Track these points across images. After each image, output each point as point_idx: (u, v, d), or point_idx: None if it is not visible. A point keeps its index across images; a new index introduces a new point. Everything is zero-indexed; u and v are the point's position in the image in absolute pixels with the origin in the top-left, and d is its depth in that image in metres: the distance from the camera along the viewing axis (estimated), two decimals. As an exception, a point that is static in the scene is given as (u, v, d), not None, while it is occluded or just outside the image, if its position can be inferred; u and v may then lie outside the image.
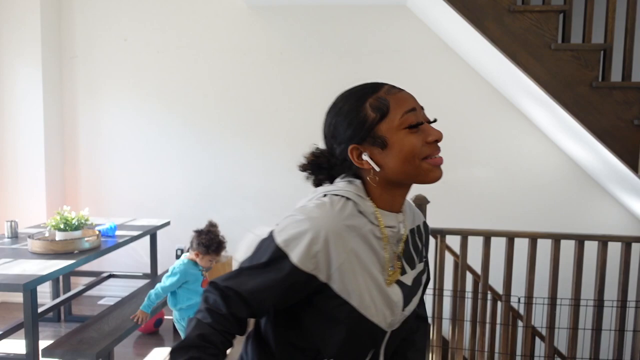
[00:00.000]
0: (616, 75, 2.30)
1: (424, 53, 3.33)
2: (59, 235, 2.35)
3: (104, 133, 3.69)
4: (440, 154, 0.81)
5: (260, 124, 3.55)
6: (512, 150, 3.33)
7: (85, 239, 2.35)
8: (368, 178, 0.83)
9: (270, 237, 0.80)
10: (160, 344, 2.94)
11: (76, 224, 2.39)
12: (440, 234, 2.31)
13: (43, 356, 2.03)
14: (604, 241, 2.14)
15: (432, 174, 0.81)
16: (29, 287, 1.92)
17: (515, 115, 3.30)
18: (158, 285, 2.27)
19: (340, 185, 0.85)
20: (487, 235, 2.21)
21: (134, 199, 3.69)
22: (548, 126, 3.08)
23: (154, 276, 3.10)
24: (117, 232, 2.73)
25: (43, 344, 2.09)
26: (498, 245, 2.28)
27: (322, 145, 0.91)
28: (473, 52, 2.98)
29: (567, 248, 2.19)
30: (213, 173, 3.63)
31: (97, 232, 2.51)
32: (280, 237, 0.78)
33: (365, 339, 0.84)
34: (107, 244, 2.50)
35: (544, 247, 2.21)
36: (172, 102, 3.61)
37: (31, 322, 1.99)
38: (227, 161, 3.61)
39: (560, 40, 2.23)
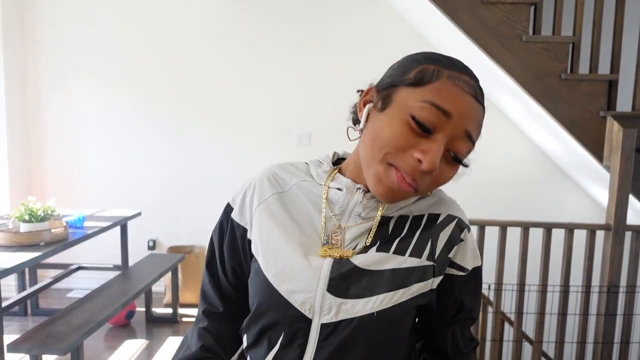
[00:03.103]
0: (584, 68, 2.36)
1: (398, 43, 3.33)
2: (23, 227, 2.27)
3: (71, 120, 3.56)
4: (413, 185, 0.62)
5: (233, 112, 3.50)
6: (483, 141, 3.37)
7: (52, 230, 2.28)
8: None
9: None
10: (132, 336, 2.90)
11: (42, 215, 2.31)
12: (414, 223, 2.33)
13: (9, 351, 1.97)
14: (570, 229, 2.21)
15: (375, 183, 0.63)
16: (-8, 281, 1.85)
17: (487, 106, 3.35)
18: None
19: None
20: (459, 224, 2.25)
21: (103, 189, 3.59)
22: (518, 117, 3.15)
23: (124, 268, 3.04)
24: (86, 223, 2.65)
25: (8, 338, 2.02)
26: (470, 234, 2.32)
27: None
28: (447, 43, 3.00)
29: (536, 236, 2.26)
30: (184, 162, 3.56)
31: (65, 223, 2.44)
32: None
33: (279, 320, 0.67)
34: (75, 235, 2.43)
35: (514, 235, 2.26)
36: (142, 89, 3.51)
37: (-5, 316, 1.92)
38: (199, 150, 3.55)
39: (531, 32, 2.27)
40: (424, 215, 0.72)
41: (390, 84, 0.64)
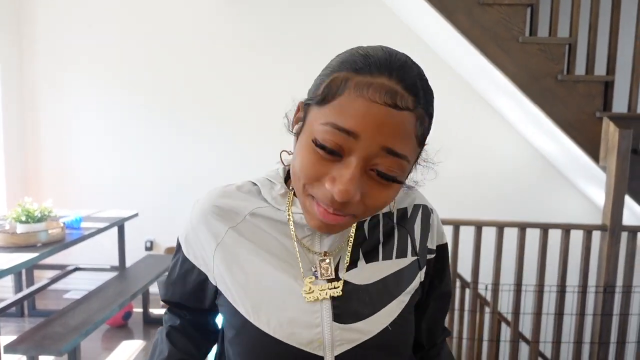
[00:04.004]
0: (580, 69, 2.37)
1: (396, 45, 3.33)
2: (20, 228, 2.26)
3: (68, 121, 3.56)
4: (342, 215, 0.55)
5: (232, 112, 3.50)
6: (480, 142, 3.40)
7: (49, 231, 2.27)
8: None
9: None
10: (129, 337, 2.89)
11: (39, 215, 2.30)
12: (411, 223, 2.34)
13: (5, 352, 1.96)
14: (566, 229, 2.22)
15: (306, 217, 0.58)
16: (-11, 282, 1.84)
17: (484, 107, 3.36)
18: None
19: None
20: (457, 225, 2.25)
21: (100, 190, 3.58)
22: (515, 118, 3.16)
23: (122, 269, 3.03)
24: (83, 224, 2.64)
25: (5, 339, 2.02)
26: (467, 234, 2.33)
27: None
28: (444, 45, 3.01)
29: (532, 236, 2.26)
30: (181, 163, 3.56)
31: (62, 224, 2.43)
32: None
33: None
34: (72, 236, 2.42)
35: (511, 235, 2.27)
36: (139, 90, 3.51)
37: (-8, 317, 1.91)
38: (196, 150, 3.55)
39: (527, 33, 2.28)
40: (392, 212, 0.69)
41: (306, 101, 0.57)
